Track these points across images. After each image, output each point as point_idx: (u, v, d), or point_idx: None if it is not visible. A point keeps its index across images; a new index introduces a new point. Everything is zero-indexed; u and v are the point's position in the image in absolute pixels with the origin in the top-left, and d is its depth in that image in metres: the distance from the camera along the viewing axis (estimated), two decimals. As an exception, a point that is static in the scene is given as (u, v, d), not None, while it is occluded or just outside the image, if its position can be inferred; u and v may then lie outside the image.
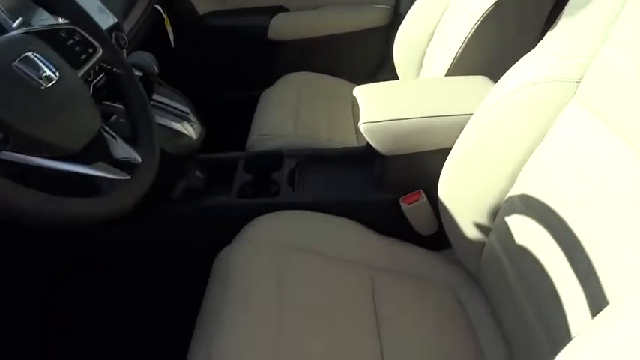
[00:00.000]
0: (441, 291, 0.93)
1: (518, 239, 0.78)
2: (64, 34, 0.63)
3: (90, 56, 0.66)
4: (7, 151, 0.50)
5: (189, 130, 1.04)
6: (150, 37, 1.42)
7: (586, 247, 0.63)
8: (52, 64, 0.57)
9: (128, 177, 0.62)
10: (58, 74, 0.56)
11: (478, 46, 1.10)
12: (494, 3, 1.05)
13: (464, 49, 1.12)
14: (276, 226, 0.97)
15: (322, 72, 1.69)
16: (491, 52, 1.12)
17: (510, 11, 1.06)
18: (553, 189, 0.72)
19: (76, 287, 1.02)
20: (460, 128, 0.85)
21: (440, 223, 0.99)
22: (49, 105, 0.55)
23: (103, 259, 1.03)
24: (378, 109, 0.95)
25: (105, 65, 0.71)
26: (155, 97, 1.01)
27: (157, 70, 0.91)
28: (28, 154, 0.52)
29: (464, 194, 0.89)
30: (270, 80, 1.67)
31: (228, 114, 1.69)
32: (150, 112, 0.72)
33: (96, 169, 0.59)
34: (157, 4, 1.46)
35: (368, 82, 1.08)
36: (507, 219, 0.81)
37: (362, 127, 0.95)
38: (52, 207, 0.48)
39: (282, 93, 1.57)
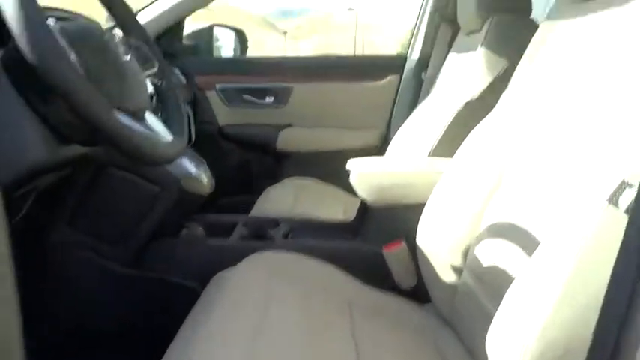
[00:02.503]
0: (417, 333, 0.98)
1: (488, 264, 0.87)
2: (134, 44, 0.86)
3: (148, 68, 0.88)
4: None
5: (204, 178, 1.21)
6: None
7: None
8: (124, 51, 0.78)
9: (167, 140, 0.78)
10: (128, 57, 0.77)
11: (453, 138, 1.32)
12: (464, 104, 1.30)
13: (440, 140, 1.34)
14: (267, 260, 1.06)
15: (320, 180, 1.90)
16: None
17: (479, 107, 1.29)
18: (512, 219, 0.85)
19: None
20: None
21: (419, 277, 1.07)
22: (124, 69, 0.75)
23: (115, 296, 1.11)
24: (367, 163, 1.13)
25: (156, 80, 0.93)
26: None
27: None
28: None
29: (439, 240, 1.00)
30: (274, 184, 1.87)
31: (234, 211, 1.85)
32: (182, 111, 0.91)
33: (146, 127, 0.75)
34: (187, 104, 1.74)
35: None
36: (477, 251, 0.92)
37: (352, 178, 1.11)
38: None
39: (282, 190, 1.75)
